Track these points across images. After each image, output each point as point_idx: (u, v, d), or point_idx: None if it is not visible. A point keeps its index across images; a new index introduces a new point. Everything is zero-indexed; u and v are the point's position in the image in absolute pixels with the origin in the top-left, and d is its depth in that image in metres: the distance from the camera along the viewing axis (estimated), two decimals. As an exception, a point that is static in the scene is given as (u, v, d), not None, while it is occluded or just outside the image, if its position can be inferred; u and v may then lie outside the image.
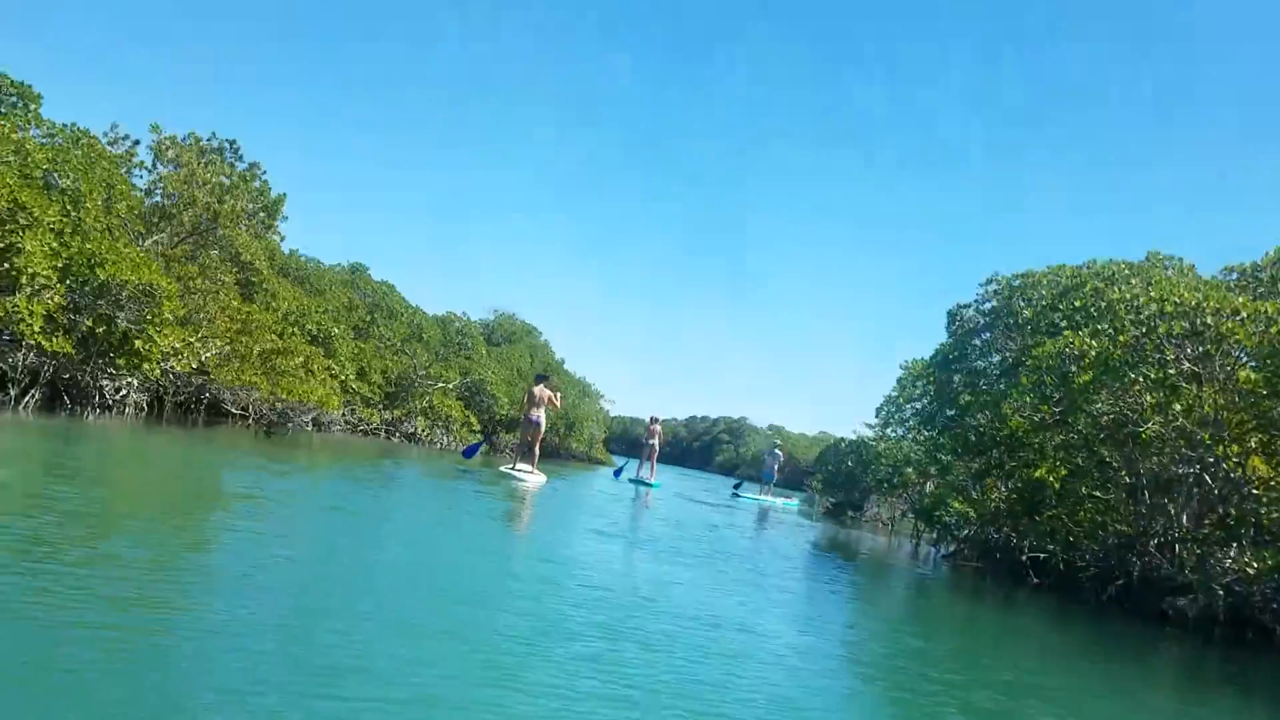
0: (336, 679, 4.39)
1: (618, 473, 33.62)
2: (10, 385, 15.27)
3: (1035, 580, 17.99)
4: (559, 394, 23.88)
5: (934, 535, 24.75)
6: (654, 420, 31.28)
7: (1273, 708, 9.06)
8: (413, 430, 32.05)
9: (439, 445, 32.45)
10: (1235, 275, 17.07)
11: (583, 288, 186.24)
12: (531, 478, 20.68)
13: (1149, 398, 13.70)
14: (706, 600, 8.68)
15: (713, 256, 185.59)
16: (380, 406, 31.45)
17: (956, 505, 19.16)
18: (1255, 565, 11.75)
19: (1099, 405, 14.46)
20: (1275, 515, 12.89)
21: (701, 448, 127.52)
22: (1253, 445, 14.41)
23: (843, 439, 33.61)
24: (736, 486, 36.80)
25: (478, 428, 35.18)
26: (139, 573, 5.63)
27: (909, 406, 28.02)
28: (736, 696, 5.31)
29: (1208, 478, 15.48)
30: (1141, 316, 13.76)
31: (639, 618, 7.10)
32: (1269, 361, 13.46)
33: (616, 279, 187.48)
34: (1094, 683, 8.75)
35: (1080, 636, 12.35)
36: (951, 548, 22.81)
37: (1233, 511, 13.71)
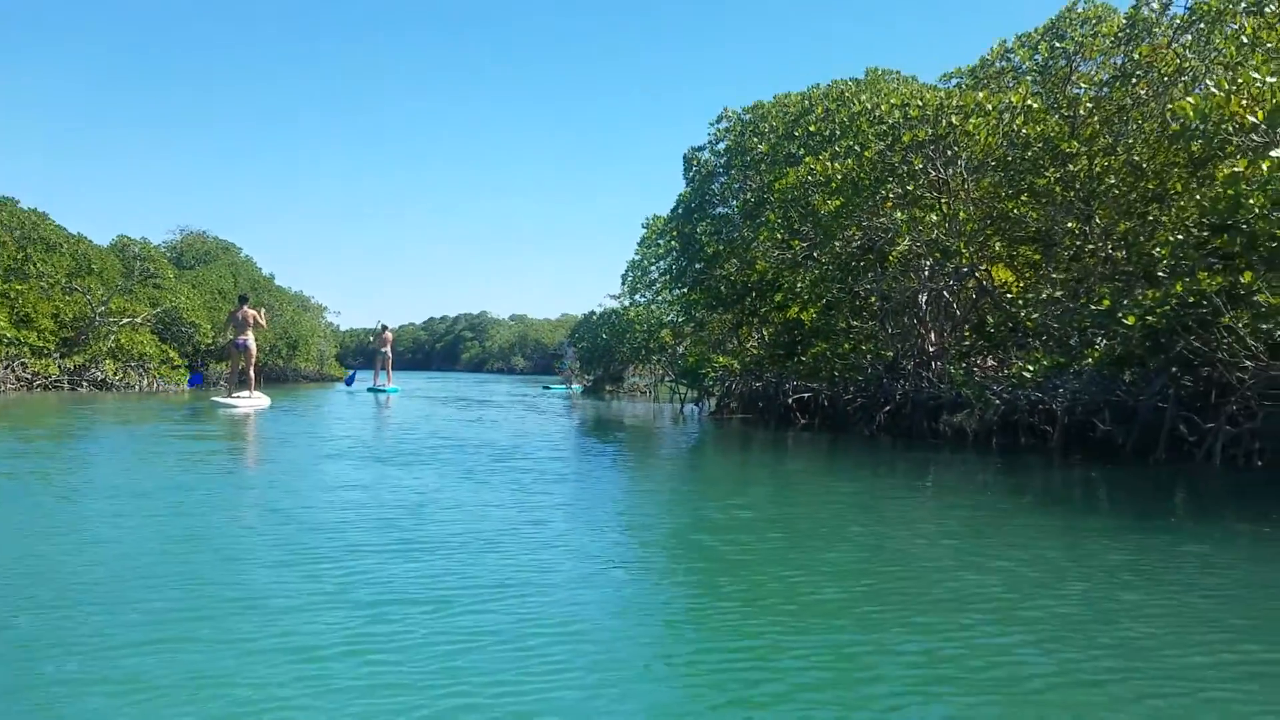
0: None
1: (348, 381, 32.80)
2: None
3: (802, 421, 17.58)
4: (264, 312, 22.91)
5: (695, 394, 24.20)
6: (384, 328, 30.50)
7: (1041, 499, 8.62)
8: (102, 376, 27.79)
9: (136, 388, 28.36)
10: (955, 82, 16.71)
11: (285, 197, 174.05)
12: (249, 402, 19.44)
13: (900, 215, 13.02)
14: (473, 503, 7.41)
15: (425, 160, 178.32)
16: (57, 355, 27.00)
17: (720, 360, 18.31)
18: (1030, 369, 11.42)
19: (850, 231, 13.69)
20: (1035, 317, 12.67)
21: (445, 348, 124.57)
22: (996, 251, 14.18)
23: (592, 313, 32.14)
24: (545, 387, 37.90)
25: (180, 362, 31.17)
26: None
27: (654, 267, 26.97)
28: (524, 595, 4.52)
29: (950, 292, 15.27)
30: (885, 127, 12.93)
31: (405, 534, 6.05)
32: (1009, 159, 13.06)
33: (323, 185, 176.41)
34: (871, 503, 8.41)
35: (851, 464, 11.80)
36: (713, 403, 22.36)
37: (989, 320, 13.45)
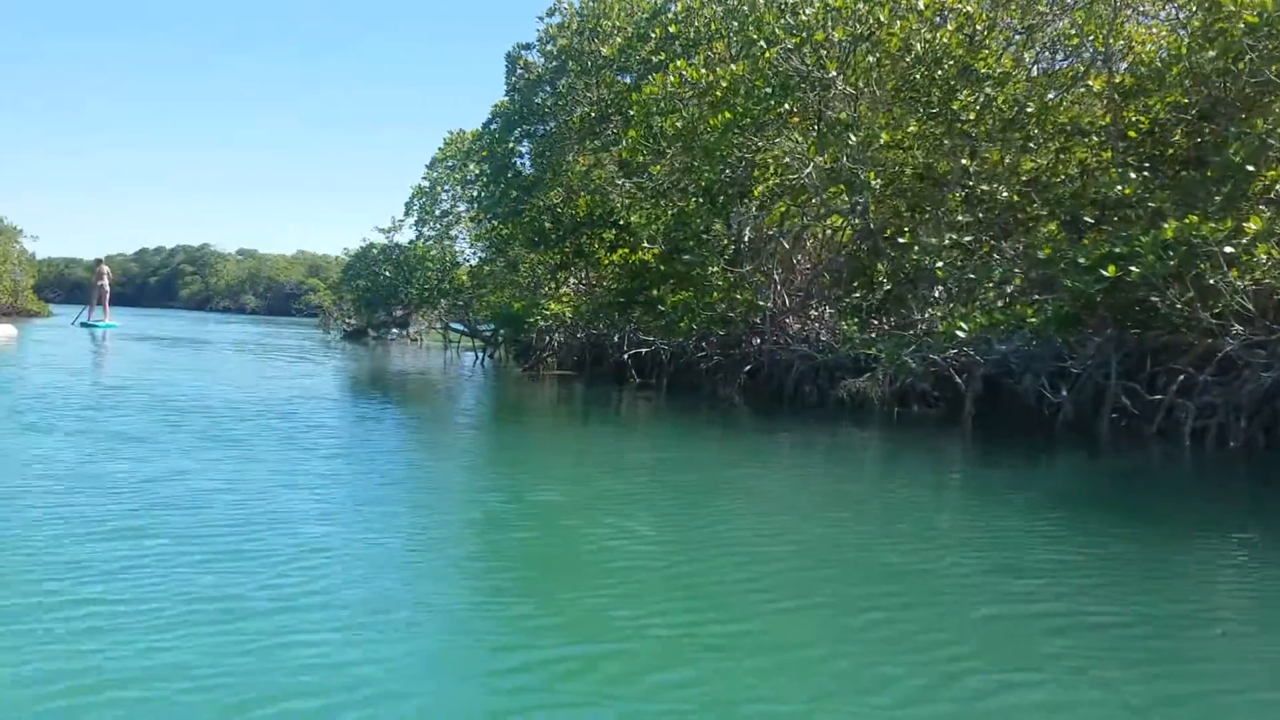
0: None
1: (85, 325, 28.34)
2: None
3: (638, 380, 15.20)
4: None
5: (481, 344, 21.33)
6: (99, 262, 30.26)
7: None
8: None
9: None
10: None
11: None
12: None
13: (799, 136, 10.74)
14: (227, 487, 5.63)
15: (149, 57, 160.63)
16: None
17: (551, 307, 15.45)
18: (964, 328, 9.54)
19: (739, 154, 11.21)
20: (939, 266, 10.82)
21: (161, 283, 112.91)
22: (876, 190, 12.23)
23: (372, 245, 27.47)
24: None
25: None
26: None
27: (447, 194, 23.22)
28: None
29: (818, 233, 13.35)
30: (797, 21, 10.52)
31: (152, 529, 4.56)
32: (917, 78, 11.11)
33: (18, 92, 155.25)
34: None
35: (730, 438, 9.64)
36: (506, 354, 19.99)
37: (879, 267, 11.54)
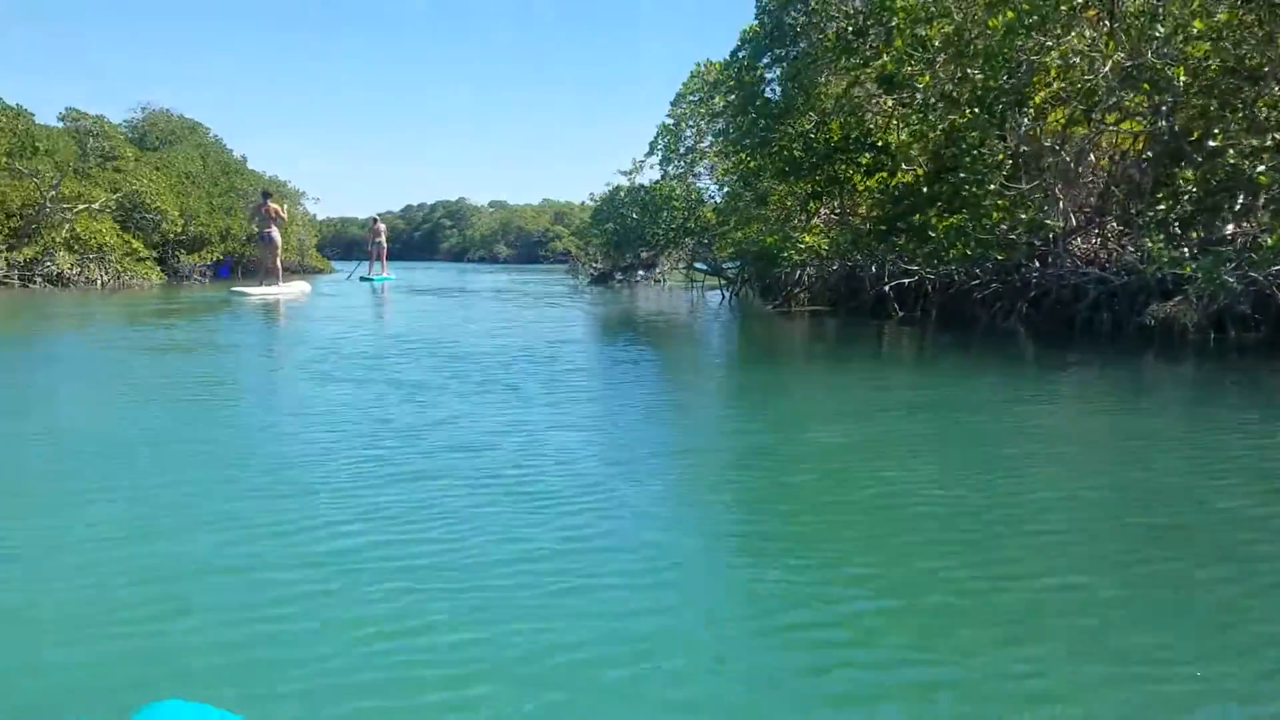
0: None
1: (364, 279, 30.17)
2: None
3: (900, 313, 14.43)
4: (286, 206, 24.51)
5: (727, 283, 21.19)
6: (376, 220, 31.89)
7: None
8: (57, 270, 24.22)
9: (98, 283, 24.77)
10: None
11: (253, 76, 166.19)
12: (280, 290, 20.34)
13: (1089, 32, 9.58)
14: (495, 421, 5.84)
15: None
16: (1, 247, 23.46)
17: (808, 239, 14.92)
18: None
19: (1026, 57, 10.11)
20: (1261, 171, 9.37)
21: (423, 237, 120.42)
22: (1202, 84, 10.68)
23: (619, 188, 28.04)
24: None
25: (146, 253, 27.46)
26: None
27: (690, 130, 23.03)
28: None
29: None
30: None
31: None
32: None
33: (294, 65, 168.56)
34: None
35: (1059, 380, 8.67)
36: (738, 290, 19.97)
37: (1185, 176, 10.14)
